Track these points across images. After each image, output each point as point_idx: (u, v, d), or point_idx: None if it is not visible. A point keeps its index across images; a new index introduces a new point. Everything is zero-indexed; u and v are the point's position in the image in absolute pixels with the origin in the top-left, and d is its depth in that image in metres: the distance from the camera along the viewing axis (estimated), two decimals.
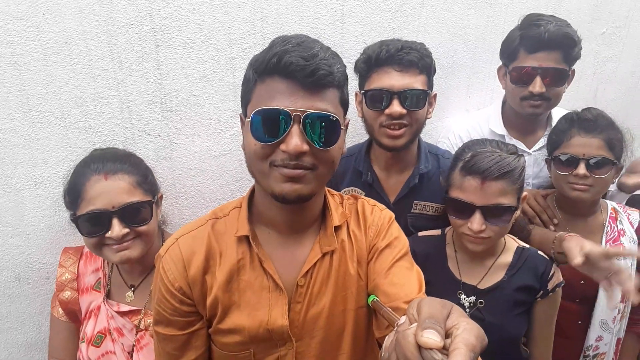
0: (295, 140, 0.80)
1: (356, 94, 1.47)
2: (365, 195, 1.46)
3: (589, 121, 1.38)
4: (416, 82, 1.32)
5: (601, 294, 1.43)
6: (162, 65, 1.42)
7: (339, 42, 1.61)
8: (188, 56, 1.44)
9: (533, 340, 1.34)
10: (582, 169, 1.36)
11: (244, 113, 0.91)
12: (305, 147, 0.81)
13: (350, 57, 1.63)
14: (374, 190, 1.47)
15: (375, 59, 1.33)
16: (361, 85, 1.41)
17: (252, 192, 1.01)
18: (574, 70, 1.54)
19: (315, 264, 0.97)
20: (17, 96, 1.30)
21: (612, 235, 1.46)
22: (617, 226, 1.47)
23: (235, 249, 0.96)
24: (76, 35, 1.31)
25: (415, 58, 1.31)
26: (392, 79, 1.31)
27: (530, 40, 1.48)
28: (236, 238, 0.96)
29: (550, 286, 1.29)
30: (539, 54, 1.48)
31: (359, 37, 1.64)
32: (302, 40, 0.82)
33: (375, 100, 1.33)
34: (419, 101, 1.33)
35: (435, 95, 1.44)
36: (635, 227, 1.50)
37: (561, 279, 1.32)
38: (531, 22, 1.49)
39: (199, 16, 1.42)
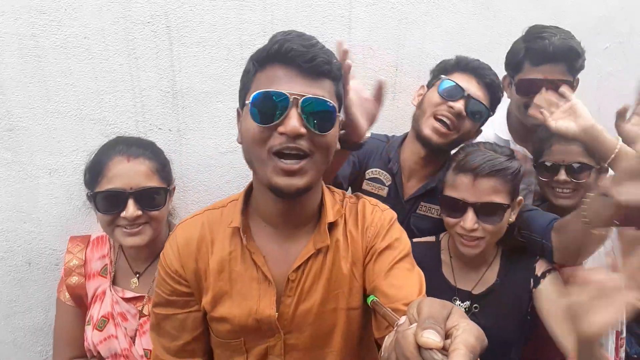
0: (293, 122, 0.83)
1: (422, 87, 1.53)
2: (390, 182, 1.51)
3: None
4: (485, 99, 1.40)
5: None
6: (175, 63, 1.49)
7: (346, 47, 1.66)
8: (200, 55, 1.51)
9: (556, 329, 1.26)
10: (562, 175, 1.41)
11: (242, 104, 0.94)
12: (303, 130, 0.84)
13: (356, 61, 1.68)
14: (394, 182, 1.52)
15: (464, 63, 1.44)
16: (436, 78, 1.48)
17: (251, 187, 1.05)
18: (578, 79, 1.57)
19: (307, 260, 0.99)
20: (36, 87, 1.36)
21: None
22: None
23: (228, 239, 1.00)
24: (95, 31, 1.38)
25: (492, 77, 1.42)
26: (470, 84, 1.39)
27: (535, 53, 1.51)
28: (230, 229, 1.00)
29: (538, 272, 1.31)
30: (544, 67, 1.50)
31: (366, 42, 1.70)
32: (301, 33, 0.88)
33: (450, 91, 1.39)
34: (479, 115, 1.41)
35: (480, 131, 1.50)
36: None
37: (550, 266, 1.33)
38: (535, 35, 1.52)
39: (212, 17, 1.49)
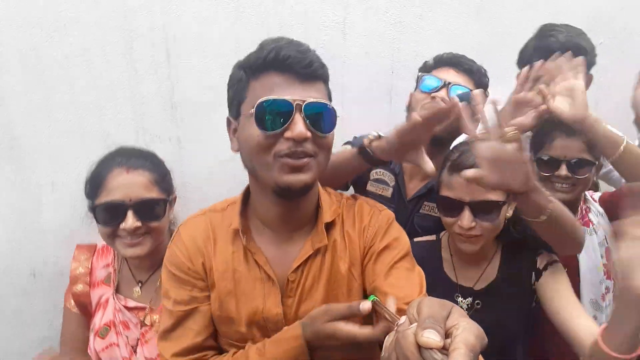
0: (299, 127, 0.86)
1: (410, 94, 1.54)
2: (394, 183, 1.52)
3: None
4: (467, 83, 1.43)
5: (583, 273, 1.45)
6: (173, 74, 1.52)
7: (341, 52, 1.68)
8: (198, 65, 1.54)
9: (563, 314, 1.24)
10: (563, 170, 1.41)
11: (236, 113, 0.95)
12: (308, 134, 0.87)
13: (351, 65, 1.70)
14: (397, 182, 1.53)
15: (438, 59, 1.49)
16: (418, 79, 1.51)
17: (248, 190, 1.05)
18: (591, 75, 1.58)
19: (306, 261, 0.99)
20: (38, 100, 1.40)
21: (579, 215, 1.51)
22: (582, 206, 1.53)
23: (230, 241, 1.01)
24: (94, 44, 1.41)
25: (469, 63, 1.46)
26: (448, 73, 1.44)
27: (542, 51, 1.51)
28: (232, 231, 1.01)
29: (540, 265, 1.31)
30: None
31: (361, 48, 1.71)
32: (290, 39, 0.90)
33: (430, 84, 1.43)
34: (464, 97, 1.40)
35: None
36: (598, 201, 1.55)
37: (552, 258, 1.33)
38: (544, 33, 1.55)
39: (207, 28, 1.51)
